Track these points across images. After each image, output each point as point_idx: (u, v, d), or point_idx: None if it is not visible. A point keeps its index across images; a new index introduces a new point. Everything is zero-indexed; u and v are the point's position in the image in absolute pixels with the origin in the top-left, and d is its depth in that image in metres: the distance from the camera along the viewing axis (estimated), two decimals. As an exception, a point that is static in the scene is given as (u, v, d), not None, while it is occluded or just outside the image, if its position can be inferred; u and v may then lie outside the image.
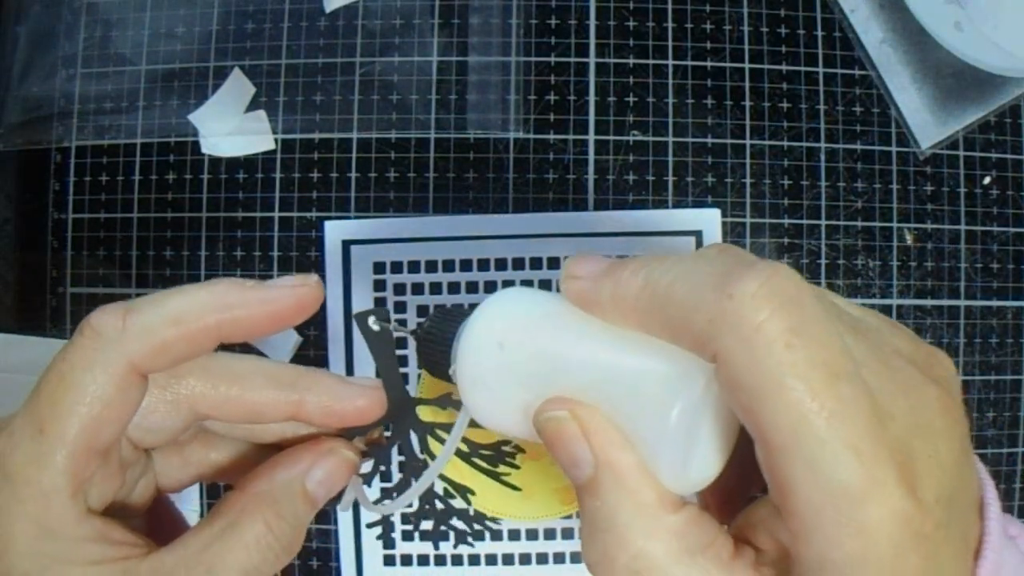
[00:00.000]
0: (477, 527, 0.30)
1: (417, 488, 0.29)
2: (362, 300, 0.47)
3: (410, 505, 0.29)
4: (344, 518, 0.47)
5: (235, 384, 0.26)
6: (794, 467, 0.19)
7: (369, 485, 0.29)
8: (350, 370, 0.47)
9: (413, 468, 0.29)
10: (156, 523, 0.28)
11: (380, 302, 0.47)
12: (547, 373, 0.24)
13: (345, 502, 0.29)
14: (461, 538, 0.30)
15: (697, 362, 0.21)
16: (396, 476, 0.30)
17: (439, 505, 0.30)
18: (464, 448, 0.29)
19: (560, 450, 0.23)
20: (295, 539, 0.26)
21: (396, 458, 0.39)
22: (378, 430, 0.29)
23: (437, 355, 0.26)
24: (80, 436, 0.23)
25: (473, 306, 0.26)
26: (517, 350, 0.24)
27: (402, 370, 0.47)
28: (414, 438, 0.29)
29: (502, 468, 0.30)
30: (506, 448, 0.29)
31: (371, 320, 0.27)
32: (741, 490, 0.25)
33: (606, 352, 0.23)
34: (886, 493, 0.19)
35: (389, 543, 0.47)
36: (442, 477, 0.29)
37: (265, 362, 0.27)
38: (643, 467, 0.22)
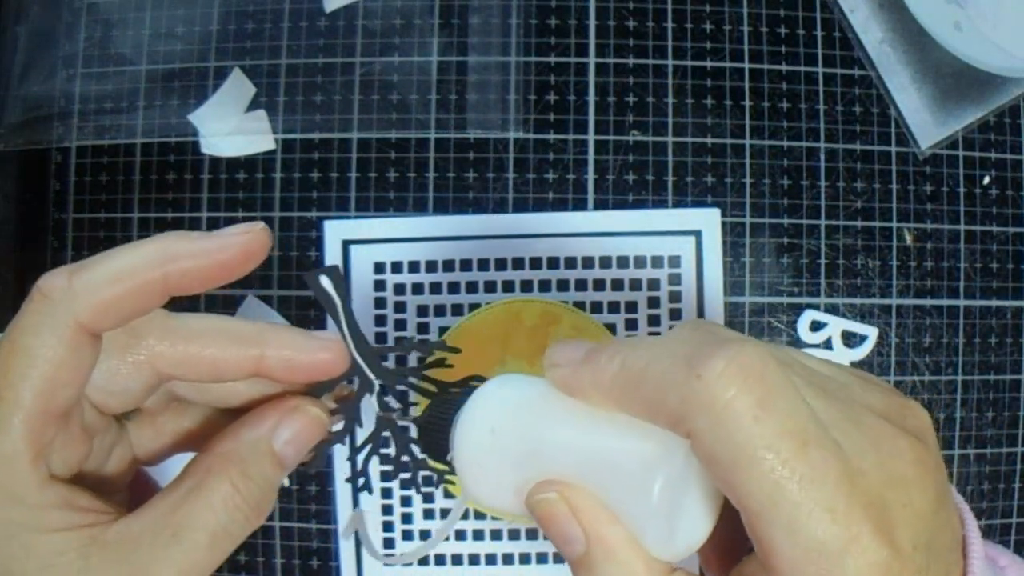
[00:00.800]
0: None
1: (422, 549, 0.29)
2: (362, 300, 0.47)
3: (392, 462, 0.30)
4: (343, 518, 0.47)
5: (194, 342, 0.25)
6: (773, 530, 0.20)
7: (343, 443, 0.29)
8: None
9: (386, 418, 0.29)
10: (139, 499, 0.27)
11: (380, 302, 0.47)
12: (537, 456, 0.25)
13: (346, 531, 0.29)
14: (440, 479, 0.30)
15: (675, 437, 0.22)
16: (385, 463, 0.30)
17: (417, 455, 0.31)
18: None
19: (553, 530, 0.24)
20: (264, 500, 0.26)
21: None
22: (346, 387, 0.29)
23: (437, 442, 0.28)
24: (35, 400, 0.22)
25: (470, 390, 0.27)
26: (507, 435, 0.26)
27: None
28: (382, 388, 0.29)
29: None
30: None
31: (322, 279, 0.27)
32: (738, 542, 0.26)
33: (589, 434, 0.24)
34: (863, 546, 0.20)
35: (389, 543, 0.47)
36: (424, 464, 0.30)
37: (226, 319, 0.26)
38: (632, 540, 0.23)
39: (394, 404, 0.30)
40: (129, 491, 0.28)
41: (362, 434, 0.29)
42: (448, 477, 0.31)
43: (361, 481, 0.31)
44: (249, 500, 0.25)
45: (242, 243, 0.24)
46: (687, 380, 0.21)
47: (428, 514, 0.47)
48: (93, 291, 0.23)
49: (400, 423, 0.29)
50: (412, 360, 0.30)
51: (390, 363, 0.40)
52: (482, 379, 0.28)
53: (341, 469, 0.47)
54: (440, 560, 0.47)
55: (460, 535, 0.47)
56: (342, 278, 0.27)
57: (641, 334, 0.25)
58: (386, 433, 0.30)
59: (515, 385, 0.27)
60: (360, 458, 0.30)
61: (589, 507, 0.24)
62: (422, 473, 0.30)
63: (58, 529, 0.23)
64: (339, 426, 0.29)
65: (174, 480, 0.25)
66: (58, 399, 0.23)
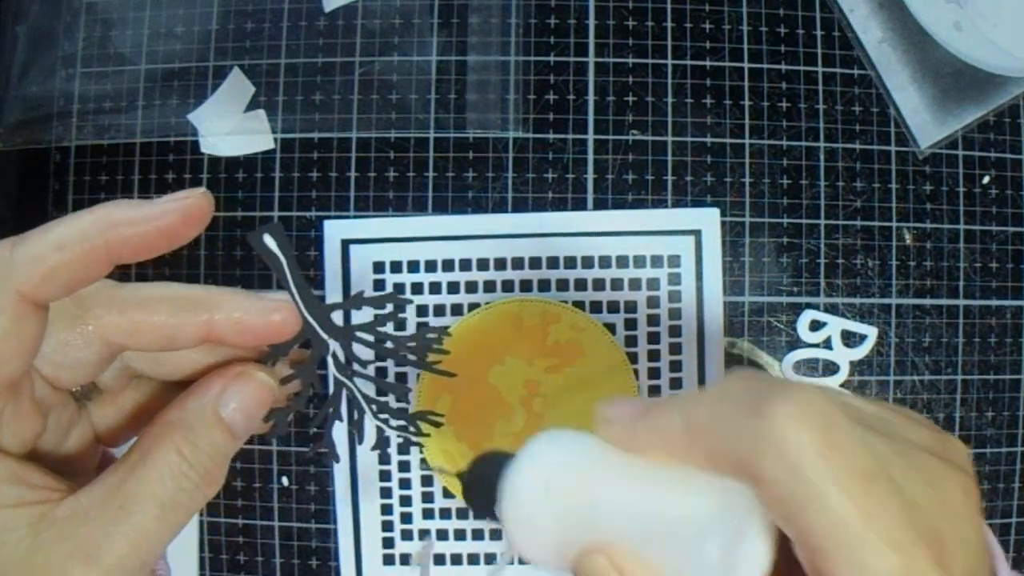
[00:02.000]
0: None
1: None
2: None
3: (353, 424, 0.29)
4: (343, 517, 0.47)
5: (143, 309, 0.25)
6: (839, 565, 0.21)
7: (306, 408, 0.28)
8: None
9: (345, 376, 0.29)
10: None
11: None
12: (589, 516, 0.25)
13: (414, 560, 0.29)
14: (410, 442, 0.30)
15: (731, 492, 0.23)
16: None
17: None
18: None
19: None
20: (213, 469, 0.25)
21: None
22: (300, 352, 0.28)
23: (484, 496, 0.28)
24: None
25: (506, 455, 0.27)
26: (561, 494, 0.26)
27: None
28: (338, 348, 0.29)
29: (433, 357, 0.30)
30: (430, 336, 0.30)
31: (266, 237, 0.26)
32: None
33: (643, 493, 0.25)
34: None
35: (388, 542, 0.47)
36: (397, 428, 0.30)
37: (173, 285, 0.26)
38: None
39: (355, 365, 0.29)
40: (97, 474, 0.28)
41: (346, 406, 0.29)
42: (420, 441, 0.30)
43: (325, 449, 0.30)
44: (197, 468, 0.25)
45: (182, 208, 0.24)
46: (753, 425, 0.22)
47: (428, 514, 0.47)
48: (34, 261, 0.23)
49: (443, 476, 0.29)
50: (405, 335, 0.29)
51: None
52: (507, 455, 0.28)
53: (340, 468, 0.47)
54: (439, 560, 0.47)
55: (460, 535, 0.47)
56: (285, 235, 0.27)
57: (689, 389, 0.26)
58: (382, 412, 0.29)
59: (567, 441, 0.27)
60: (339, 423, 0.29)
61: (638, 572, 0.24)
62: (395, 439, 0.29)
63: (8, 505, 0.23)
64: (298, 387, 0.28)
65: (125, 453, 0.25)
66: (4, 371, 0.23)
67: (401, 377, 0.47)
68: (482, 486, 0.28)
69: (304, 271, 0.47)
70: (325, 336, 0.28)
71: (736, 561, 0.23)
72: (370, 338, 0.29)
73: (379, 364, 0.46)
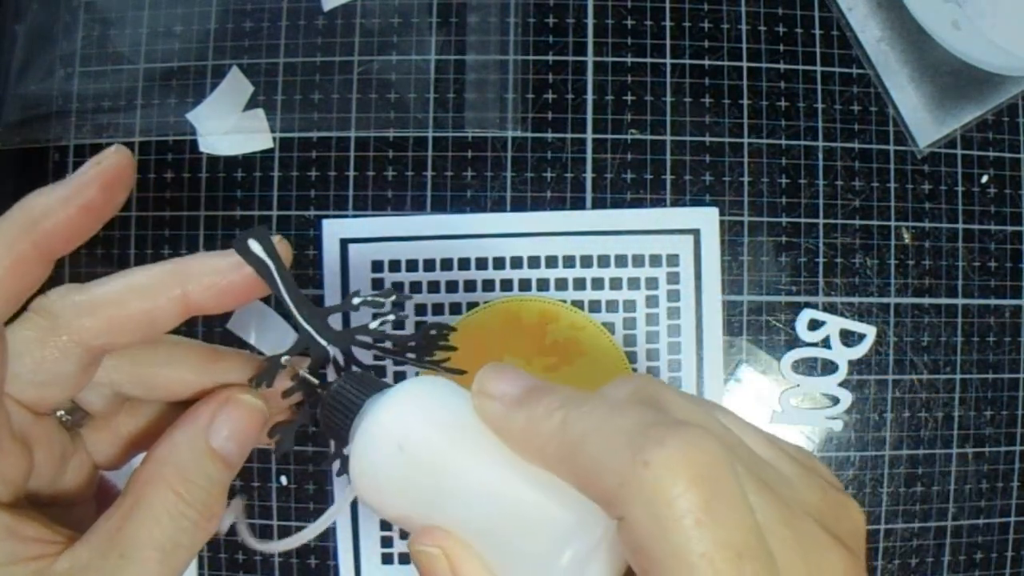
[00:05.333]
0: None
1: (297, 539, 0.27)
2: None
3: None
4: (342, 516, 0.47)
5: (113, 304, 0.24)
6: None
7: (308, 422, 0.27)
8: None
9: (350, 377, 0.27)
10: (106, 508, 0.26)
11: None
12: (439, 491, 0.23)
13: (224, 526, 0.27)
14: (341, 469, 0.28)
15: (596, 511, 0.21)
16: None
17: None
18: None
19: None
20: (212, 502, 0.24)
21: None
22: (298, 360, 0.27)
23: (338, 426, 0.25)
24: None
25: (380, 381, 0.25)
26: (413, 458, 0.23)
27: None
28: (339, 355, 0.27)
29: (438, 354, 0.28)
30: (433, 332, 0.28)
31: (251, 243, 0.25)
32: None
33: (504, 484, 0.22)
34: None
35: (387, 541, 0.47)
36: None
37: (135, 270, 0.25)
38: None
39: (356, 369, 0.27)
40: (96, 501, 0.27)
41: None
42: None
43: (282, 449, 0.28)
44: (195, 505, 0.24)
45: (98, 177, 0.23)
46: (631, 465, 0.20)
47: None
48: None
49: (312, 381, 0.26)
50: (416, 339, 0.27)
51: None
52: (377, 384, 0.25)
53: (337, 466, 0.47)
54: (405, 559, 0.47)
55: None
56: (270, 239, 0.25)
57: (575, 388, 0.23)
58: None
59: (437, 398, 0.25)
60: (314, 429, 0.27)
61: (472, 573, 0.22)
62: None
63: (1, 563, 0.22)
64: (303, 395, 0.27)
65: (119, 497, 0.24)
66: None
67: (400, 376, 0.47)
68: (340, 410, 0.25)
69: (303, 271, 0.47)
70: (323, 342, 0.26)
71: None
72: (371, 340, 0.27)
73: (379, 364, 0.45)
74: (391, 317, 0.27)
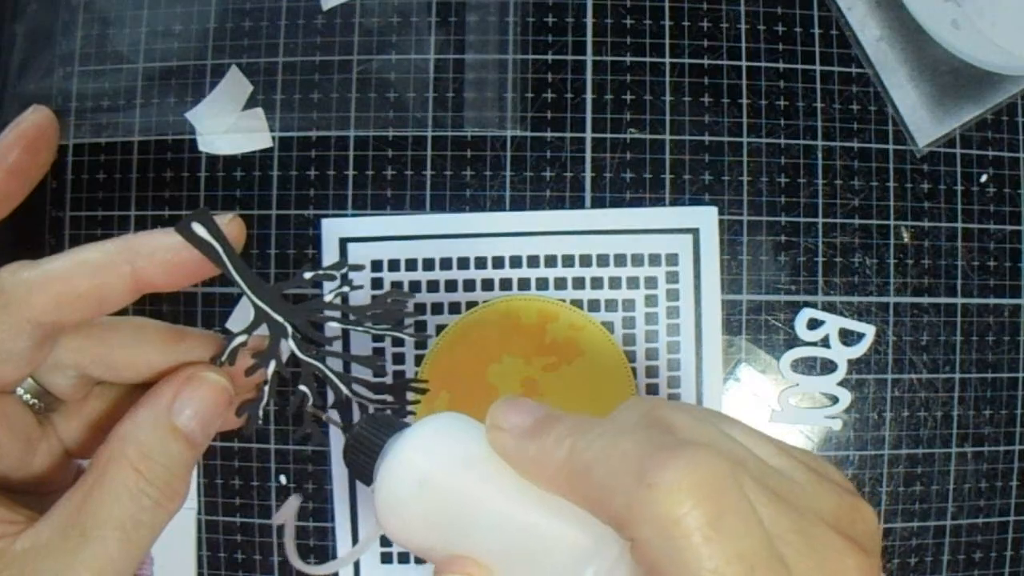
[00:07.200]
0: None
1: (333, 566, 0.28)
2: (360, 299, 0.47)
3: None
4: (342, 516, 0.47)
5: (61, 282, 0.24)
6: None
7: (279, 397, 0.27)
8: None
9: (310, 356, 0.28)
10: None
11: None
12: (460, 522, 0.24)
13: (278, 521, 0.27)
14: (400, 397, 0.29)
15: (612, 533, 0.22)
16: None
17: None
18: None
19: None
20: (173, 482, 0.24)
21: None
22: (259, 338, 0.27)
23: (362, 465, 0.26)
24: None
25: (401, 419, 0.25)
26: (435, 493, 0.24)
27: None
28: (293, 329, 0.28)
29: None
30: (390, 301, 0.29)
31: (195, 226, 0.25)
32: None
33: (521, 513, 0.23)
34: None
35: (386, 540, 0.47)
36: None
37: (87, 247, 0.24)
38: None
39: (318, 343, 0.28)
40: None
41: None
42: (412, 410, 0.29)
43: (309, 431, 0.29)
44: (155, 483, 0.24)
45: (17, 138, 0.22)
46: (637, 487, 0.20)
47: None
48: None
49: (332, 423, 0.27)
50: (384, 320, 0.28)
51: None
52: (398, 424, 0.26)
53: (338, 464, 0.47)
54: (387, 558, 0.47)
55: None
56: (213, 221, 0.25)
57: (586, 415, 0.24)
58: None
59: (455, 434, 0.25)
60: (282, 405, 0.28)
61: None
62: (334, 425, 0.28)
63: None
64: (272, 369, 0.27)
65: (82, 476, 0.24)
66: None
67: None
68: (363, 452, 0.26)
69: (302, 270, 0.47)
70: (279, 318, 0.27)
71: None
72: (334, 313, 0.28)
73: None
74: (346, 289, 0.28)
